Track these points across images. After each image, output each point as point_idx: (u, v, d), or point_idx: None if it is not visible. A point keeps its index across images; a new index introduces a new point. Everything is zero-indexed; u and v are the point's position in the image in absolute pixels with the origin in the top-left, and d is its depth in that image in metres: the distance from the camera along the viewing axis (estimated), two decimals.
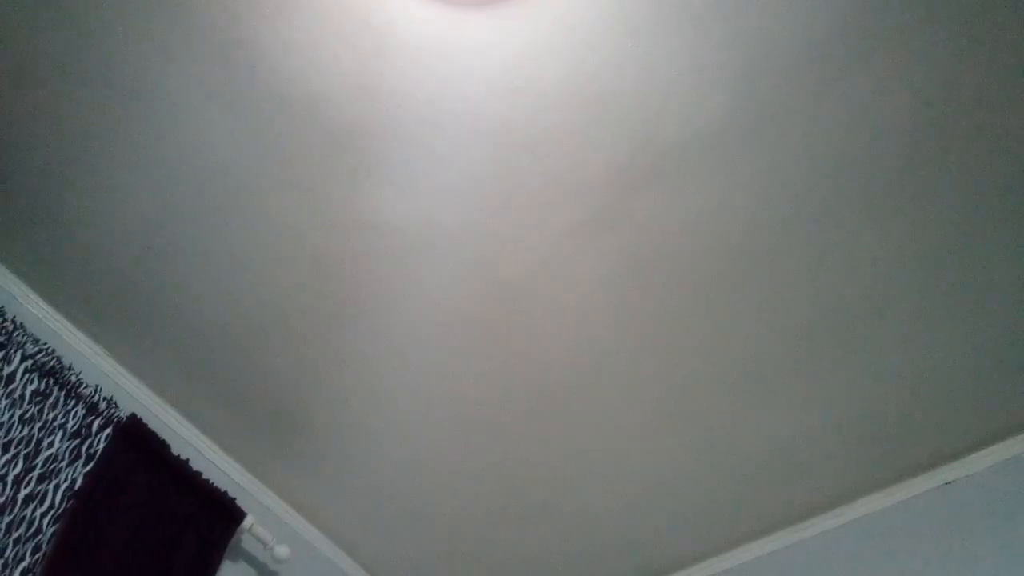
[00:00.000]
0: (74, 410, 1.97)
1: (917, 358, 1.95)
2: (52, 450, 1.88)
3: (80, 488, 1.89)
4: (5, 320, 1.92)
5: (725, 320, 1.96)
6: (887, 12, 1.49)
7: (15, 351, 1.91)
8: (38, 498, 1.81)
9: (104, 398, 2.04)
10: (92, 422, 1.99)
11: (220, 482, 2.30)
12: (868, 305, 1.89)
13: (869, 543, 2.16)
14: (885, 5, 1.49)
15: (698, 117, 1.68)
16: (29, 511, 1.79)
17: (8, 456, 1.80)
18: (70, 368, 2.01)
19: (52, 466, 1.86)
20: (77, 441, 1.95)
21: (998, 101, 1.57)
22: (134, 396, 2.29)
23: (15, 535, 1.74)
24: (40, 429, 1.88)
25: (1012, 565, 1.90)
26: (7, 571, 1.69)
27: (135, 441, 2.07)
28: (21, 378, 1.90)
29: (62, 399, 1.96)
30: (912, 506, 2.14)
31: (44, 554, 1.78)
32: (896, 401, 2.03)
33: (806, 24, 1.52)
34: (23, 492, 1.79)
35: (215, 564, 2.15)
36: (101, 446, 1.98)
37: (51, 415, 1.92)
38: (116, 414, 2.04)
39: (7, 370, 1.88)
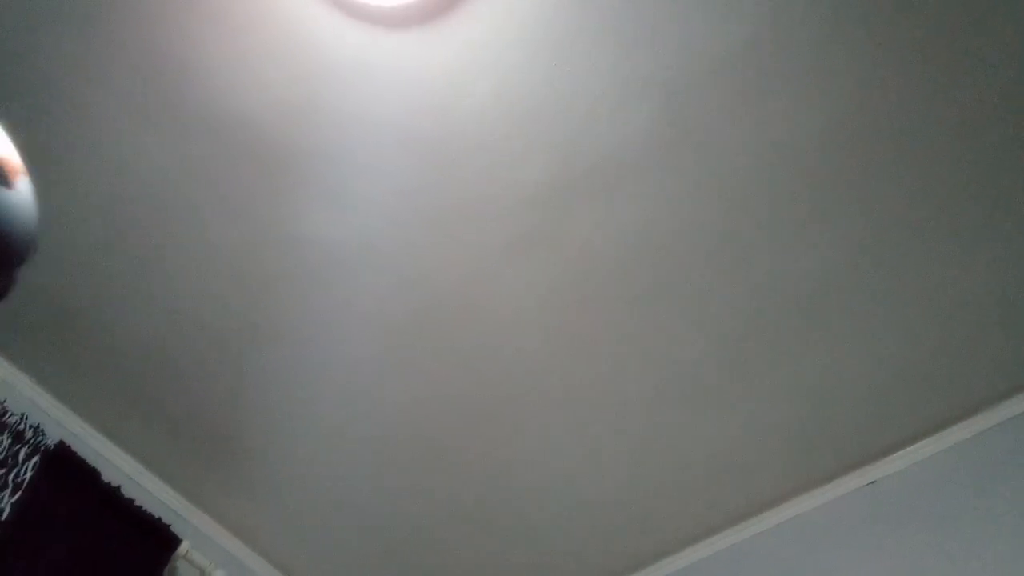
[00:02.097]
0: None
1: (840, 362, 2.02)
2: None
3: (7, 518, 1.84)
4: None
5: (656, 331, 2.01)
6: (797, 34, 1.57)
7: None
8: None
9: (31, 426, 1.99)
10: (18, 451, 1.95)
11: (154, 508, 2.25)
12: (793, 313, 1.95)
13: (798, 544, 2.22)
14: (795, 27, 1.56)
15: (622, 134, 1.73)
16: None
17: None
18: None
19: None
20: (3, 470, 1.90)
21: (907, 119, 1.65)
22: (62, 423, 2.24)
23: None
24: None
25: (934, 562, 1.97)
26: None
27: (64, 469, 2.02)
28: None
29: None
30: (838, 506, 2.21)
31: None
32: (821, 404, 2.10)
33: (720, 45, 1.59)
34: None
35: None
36: (28, 475, 1.94)
37: None
38: (43, 442, 2.00)
39: None
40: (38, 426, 2.01)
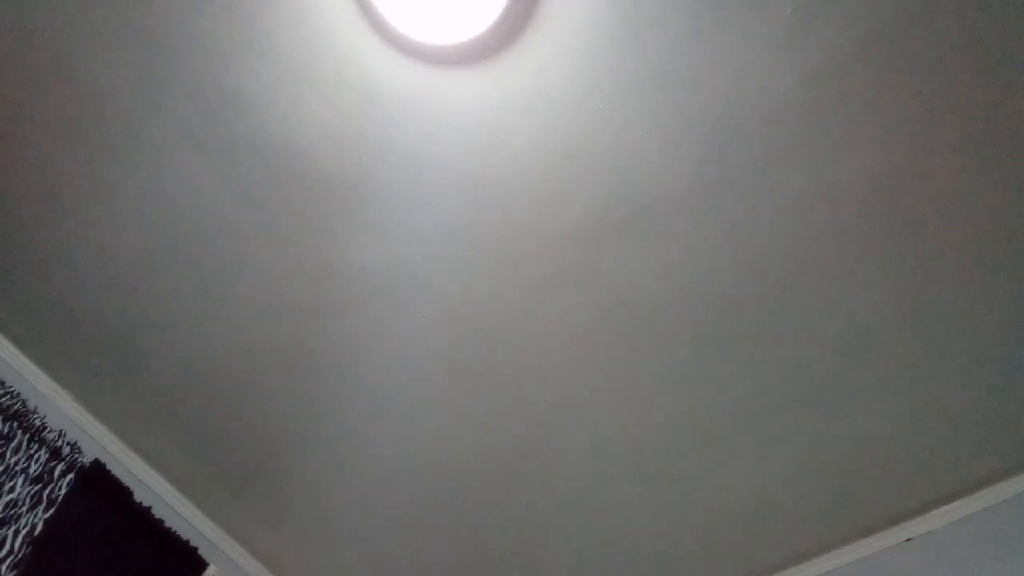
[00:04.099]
0: (37, 454, 1.95)
1: (880, 416, 1.99)
2: (13, 495, 1.85)
3: (39, 534, 1.86)
4: None
5: (691, 374, 1.99)
6: (844, 80, 1.56)
7: None
8: None
9: (68, 443, 2.02)
10: (55, 467, 1.97)
11: (183, 531, 2.27)
12: (833, 363, 1.93)
13: None
14: (842, 73, 1.56)
15: (666, 176, 1.73)
16: None
17: None
18: (34, 411, 2.00)
19: (12, 511, 1.84)
20: (39, 486, 1.92)
21: (950, 172, 1.63)
22: (99, 441, 2.26)
23: None
24: (1, 473, 1.86)
25: None
26: None
27: (97, 487, 2.04)
28: None
29: (25, 443, 1.94)
30: (873, 562, 2.16)
31: None
32: (859, 458, 2.06)
33: (767, 90, 1.59)
34: None
35: None
36: (63, 492, 1.96)
37: (13, 459, 1.90)
38: (79, 459, 2.02)
39: None
40: (75, 443, 2.04)
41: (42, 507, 1.90)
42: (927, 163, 1.64)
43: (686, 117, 1.65)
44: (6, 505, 1.83)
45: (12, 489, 1.86)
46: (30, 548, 1.83)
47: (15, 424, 1.93)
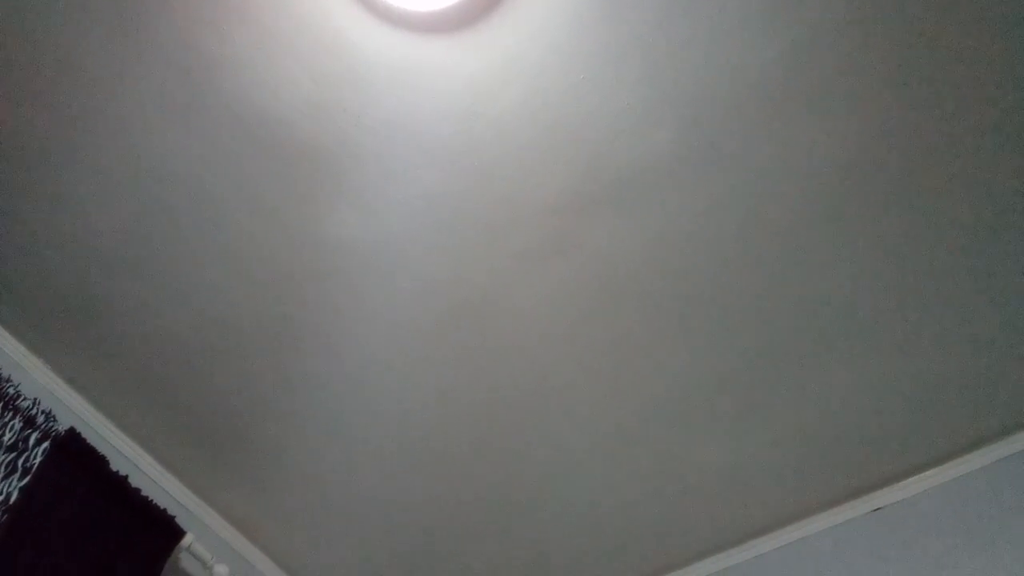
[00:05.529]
0: (11, 423, 1.93)
1: (853, 385, 2.02)
2: None
3: (14, 502, 1.85)
4: None
5: (670, 346, 2.01)
6: (826, 55, 1.57)
7: None
8: None
9: (42, 411, 2.00)
10: (29, 435, 1.95)
11: (160, 499, 2.26)
12: (807, 334, 1.95)
13: (801, 568, 2.22)
14: (824, 48, 1.56)
15: (647, 147, 1.73)
16: None
17: None
18: (8, 379, 1.98)
19: None
20: (13, 455, 1.90)
21: (936, 144, 1.65)
22: (74, 410, 2.25)
23: None
24: None
25: None
26: None
27: (73, 456, 2.03)
28: None
29: None
30: (842, 532, 2.20)
31: None
32: (832, 426, 2.09)
33: (749, 62, 1.59)
34: None
35: None
36: (38, 460, 1.94)
37: None
38: (54, 428, 2.00)
39: None
40: (50, 412, 2.02)
41: (17, 475, 1.89)
42: (908, 136, 1.65)
43: (666, 89, 1.65)
44: None
45: None
46: (5, 516, 1.82)
47: None
